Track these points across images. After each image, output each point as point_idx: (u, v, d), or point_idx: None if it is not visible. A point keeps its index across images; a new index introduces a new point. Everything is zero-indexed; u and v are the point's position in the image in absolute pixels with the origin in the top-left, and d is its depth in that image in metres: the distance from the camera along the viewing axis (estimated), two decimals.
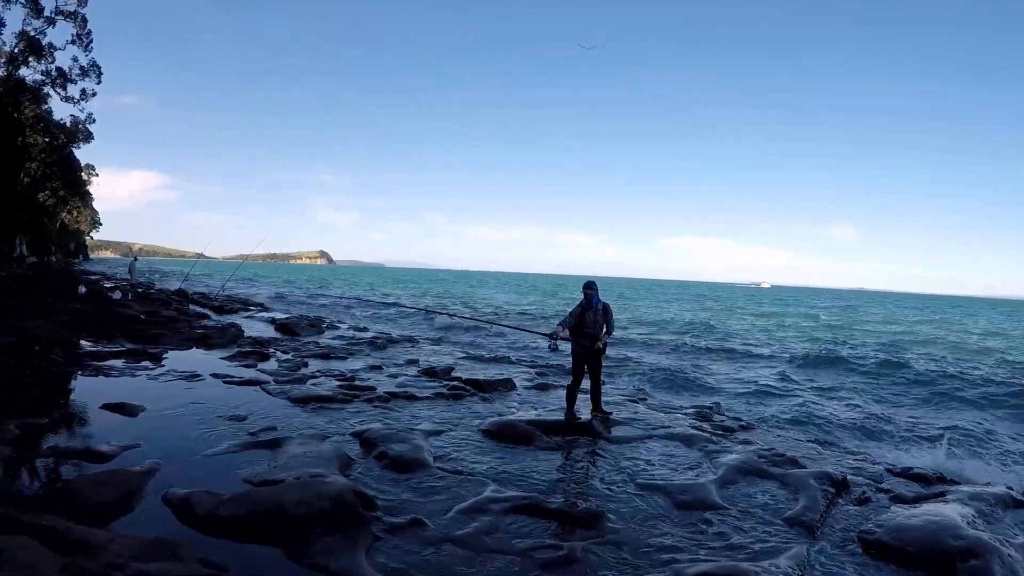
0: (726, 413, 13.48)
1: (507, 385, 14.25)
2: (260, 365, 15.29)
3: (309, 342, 20.59)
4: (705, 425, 11.73)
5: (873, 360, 25.76)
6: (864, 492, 8.70)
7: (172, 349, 16.88)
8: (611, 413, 11.73)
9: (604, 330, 11.41)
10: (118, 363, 14.08)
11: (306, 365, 15.71)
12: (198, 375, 13.28)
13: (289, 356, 16.96)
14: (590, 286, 11.43)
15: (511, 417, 10.90)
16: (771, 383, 19.22)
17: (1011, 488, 9.15)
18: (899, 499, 8.53)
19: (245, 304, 36.11)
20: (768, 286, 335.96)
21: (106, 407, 10.03)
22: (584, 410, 11.57)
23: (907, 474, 9.85)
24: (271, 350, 17.83)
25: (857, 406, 16.44)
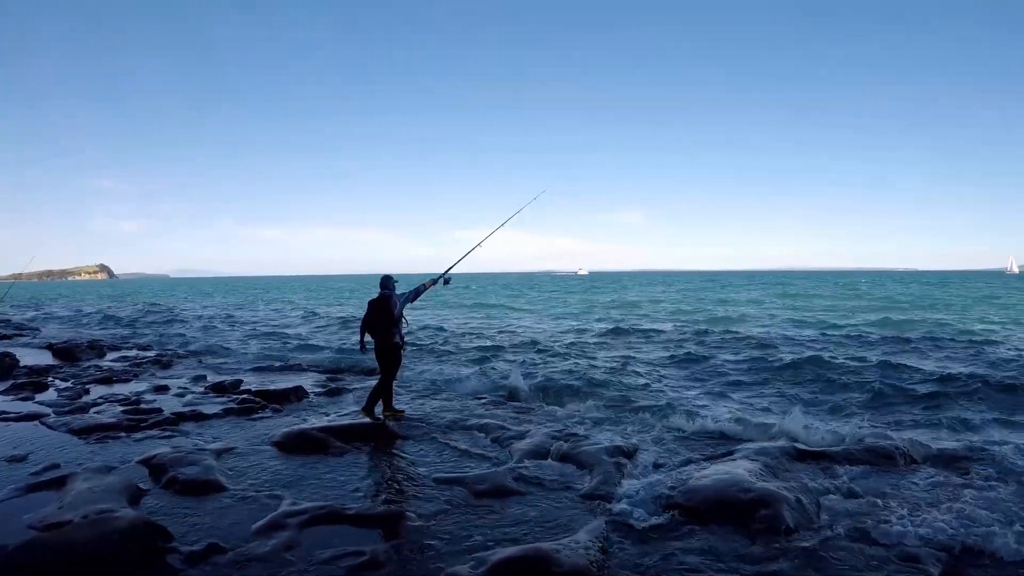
0: (522, 397, 13.75)
1: (298, 394, 13.99)
2: (38, 396, 14.22)
3: (90, 366, 19.31)
4: (498, 412, 12.01)
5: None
6: (657, 459, 9.14)
7: None
8: (403, 411, 11.79)
9: (403, 327, 11.53)
10: None
11: (88, 392, 14.74)
12: None
13: (69, 384, 15.85)
14: (387, 282, 11.46)
15: (304, 426, 10.71)
16: None
17: (794, 440, 9.79)
18: (690, 461, 9.01)
19: (19, 330, 34.18)
20: (586, 273, 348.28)
21: None
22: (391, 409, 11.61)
23: (696, 436, 10.38)
24: (49, 379, 16.64)
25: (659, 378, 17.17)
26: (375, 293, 11.51)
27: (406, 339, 11.80)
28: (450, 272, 12.36)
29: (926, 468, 8.77)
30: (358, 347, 11.84)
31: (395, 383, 11.96)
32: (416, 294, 11.84)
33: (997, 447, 9.66)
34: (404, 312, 11.59)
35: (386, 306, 11.20)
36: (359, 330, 11.66)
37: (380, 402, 11.51)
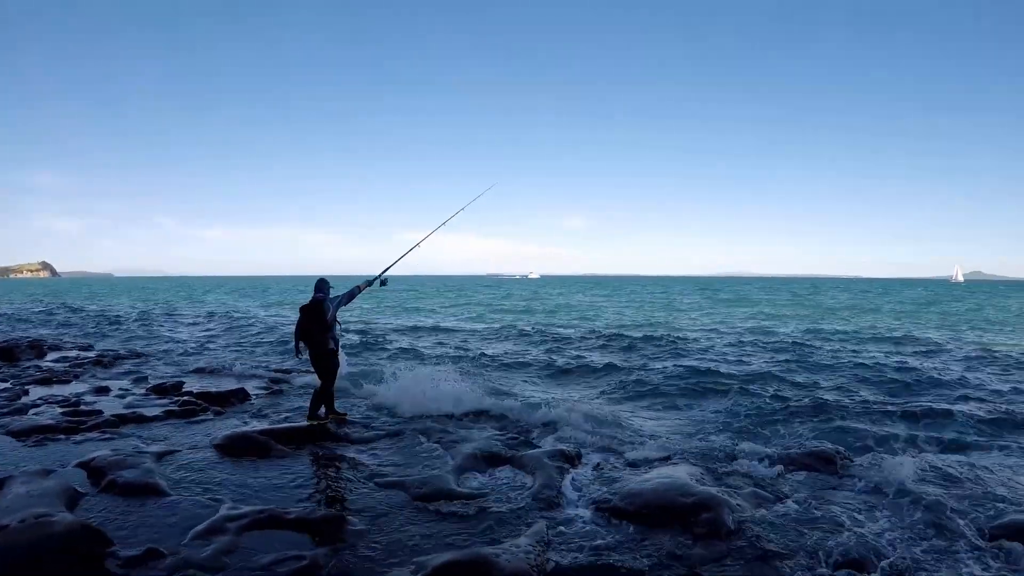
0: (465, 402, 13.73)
1: (240, 396, 13.84)
2: None
3: (29, 366, 18.80)
4: (440, 416, 11.98)
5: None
6: (598, 464, 9.21)
7: None
8: (345, 414, 11.71)
9: (336, 330, 11.30)
10: None
11: (27, 393, 14.43)
12: None
13: (8, 384, 15.51)
14: (321, 286, 11.24)
15: (245, 429, 10.59)
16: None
17: (736, 444, 9.93)
18: (632, 465, 9.14)
19: None
20: (537, 276, 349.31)
21: None
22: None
23: (637, 442, 10.45)
24: None
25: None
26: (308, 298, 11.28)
27: (343, 341, 11.71)
28: (387, 273, 12.29)
29: (864, 473, 8.92)
30: (293, 353, 11.69)
31: (335, 386, 11.79)
32: (350, 296, 11.63)
33: (932, 457, 9.88)
34: (338, 315, 11.39)
35: (319, 311, 10.92)
36: (293, 336, 11.46)
37: (323, 406, 11.43)
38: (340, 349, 11.51)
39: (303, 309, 11.01)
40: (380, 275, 12.21)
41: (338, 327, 11.37)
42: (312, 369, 11.51)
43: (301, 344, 11.20)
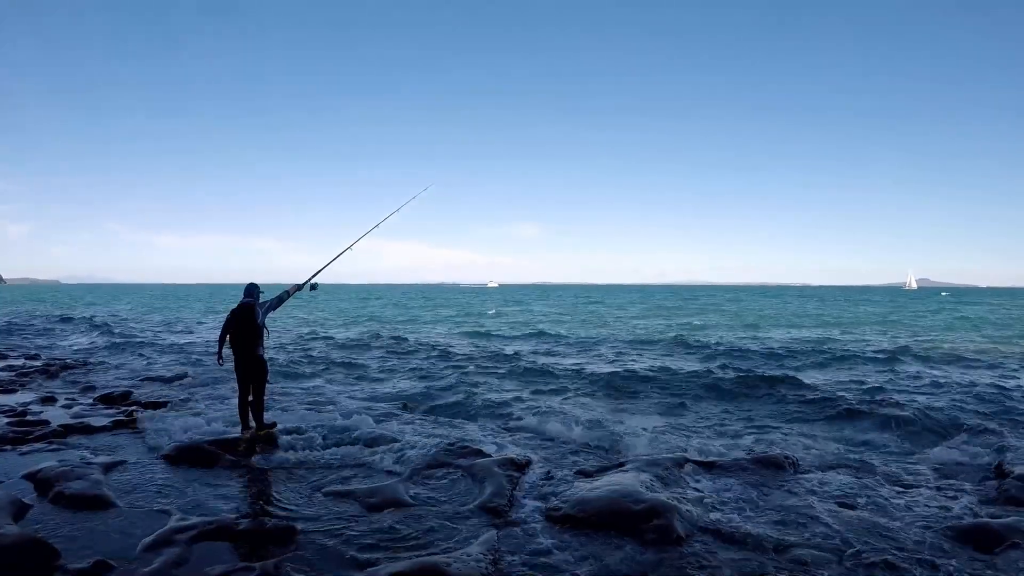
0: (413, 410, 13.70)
1: (188, 406, 13.68)
2: None
3: None
4: (390, 424, 11.95)
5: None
6: (549, 471, 9.24)
7: None
8: (275, 424, 11.18)
9: (264, 337, 10.86)
10: None
11: None
12: None
13: None
14: (251, 291, 10.88)
15: (194, 439, 10.47)
16: None
17: (685, 451, 10.03)
18: (582, 473, 9.17)
19: None
20: (495, 285, 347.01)
21: None
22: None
23: (587, 449, 10.51)
24: None
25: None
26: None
27: (280, 350, 11.48)
28: (316, 279, 11.88)
29: (812, 475, 9.07)
30: (218, 359, 11.25)
31: (268, 396, 11.45)
32: (279, 302, 11.21)
33: (875, 460, 10.08)
34: (266, 321, 10.94)
35: (251, 316, 10.62)
36: (218, 340, 11.09)
37: (253, 416, 10.90)
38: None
39: (233, 313, 10.68)
40: (309, 280, 11.82)
41: (266, 333, 10.98)
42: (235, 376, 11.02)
43: (226, 350, 10.87)
